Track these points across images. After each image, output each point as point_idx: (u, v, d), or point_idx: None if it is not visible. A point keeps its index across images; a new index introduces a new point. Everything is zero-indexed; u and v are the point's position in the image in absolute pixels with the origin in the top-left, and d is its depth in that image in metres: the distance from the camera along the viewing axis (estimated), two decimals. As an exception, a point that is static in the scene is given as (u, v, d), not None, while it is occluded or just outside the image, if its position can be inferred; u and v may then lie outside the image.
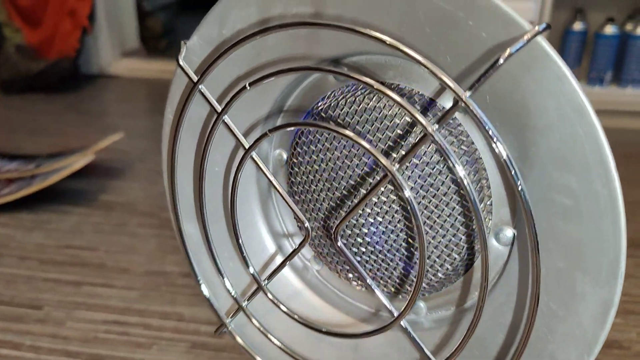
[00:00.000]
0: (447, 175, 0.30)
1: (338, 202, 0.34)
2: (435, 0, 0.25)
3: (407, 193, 0.28)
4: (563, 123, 0.25)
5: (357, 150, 0.32)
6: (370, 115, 0.32)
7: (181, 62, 0.33)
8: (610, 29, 1.95)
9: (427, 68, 0.25)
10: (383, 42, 0.25)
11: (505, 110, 0.26)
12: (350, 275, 0.36)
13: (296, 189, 0.37)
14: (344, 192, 0.34)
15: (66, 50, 2.52)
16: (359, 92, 0.33)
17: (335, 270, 0.37)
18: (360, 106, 0.32)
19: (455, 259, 0.32)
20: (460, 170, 0.27)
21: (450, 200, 0.31)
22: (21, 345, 0.96)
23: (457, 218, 0.31)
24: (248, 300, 0.39)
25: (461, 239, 0.31)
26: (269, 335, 0.38)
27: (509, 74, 0.25)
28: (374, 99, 0.32)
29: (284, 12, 0.29)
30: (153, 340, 0.97)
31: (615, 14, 2.06)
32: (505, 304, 0.30)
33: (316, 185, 0.34)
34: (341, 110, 0.33)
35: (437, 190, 0.30)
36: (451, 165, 0.27)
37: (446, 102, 0.30)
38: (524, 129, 0.26)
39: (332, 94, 0.35)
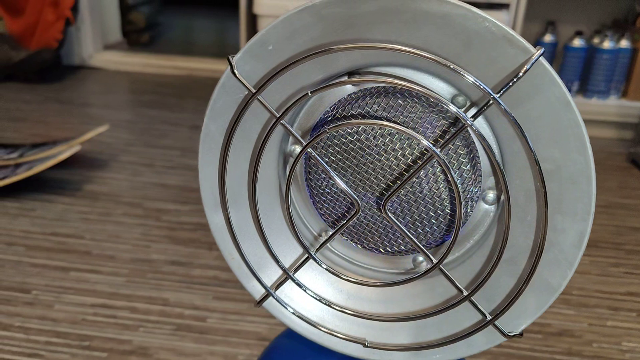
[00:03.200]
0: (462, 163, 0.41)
1: (373, 181, 0.43)
2: (471, 33, 0.35)
3: (451, 170, 0.38)
4: (553, 113, 0.36)
5: (392, 140, 0.41)
6: (404, 111, 0.41)
7: (238, 75, 0.39)
8: (578, 42, 2.05)
9: (468, 79, 0.35)
10: (436, 62, 0.35)
11: (511, 107, 0.36)
12: (379, 242, 0.44)
13: (316, 176, 0.44)
14: (379, 174, 0.42)
15: (48, 41, 2.53)
16: (385, 95, 0.40)
17: (364, 243, 0.45)
18: (396, 104, 0.41)
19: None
20: (487, 158, 0.38)
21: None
22: (10, 326, 1.00)
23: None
24: (295, 270, 0.45)
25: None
26: (319, 298, 0.45)
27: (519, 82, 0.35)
28: (406, 99, 0.40)
29: (326, 35, 0.36)
30: (140, 323, 1.02)
31: (584, 28, 2.17)
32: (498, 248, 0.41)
33: (350, 170, 0.43)
34: (371, 108, 0.41)
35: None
36: (486, 151, 0.37)
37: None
38: (522, 119, 0.36)
39: (349, 97, 0.43)
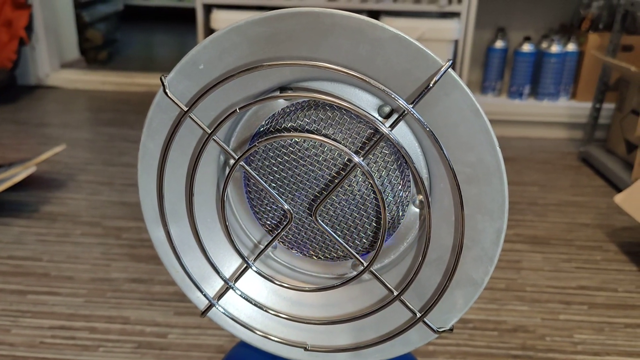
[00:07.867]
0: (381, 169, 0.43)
1: (309, 190, 0.44)
2: (382, 51, 0.37)
3: (373, 177, 0.40)
4: (464, 121, 0.38)
5: (324, 151, 0.43)
6: (334, 122, 0.43)
7: (170, 95, 0.40)
8: (527, 47, 2.12)
9: (383, 90, 0.36)
10: (354, 76, 0.37)
11: (426, 117, 0.38)
12: (317, 249, 0.46)
13: (255, 188, 0.46)
14: (314, 183, 0.44)
15: (2, 61, 2.48)
16: (315, 108, 0.42)
17: (304, 251, 0.46)
18: (326, 116, 0.43)
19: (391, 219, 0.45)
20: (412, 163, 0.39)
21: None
22: (-34, 353, 0.98)
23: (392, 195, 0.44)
24: (236, 280, 0.46)
25: (393, 207, 0.44)
26: (258, 304, 0.46)
27: (430, 93, 0.37)
28: (328, 112, 0.42)
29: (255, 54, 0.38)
30: (99, 343, 1.01)
31: (532, 33, 2.25)
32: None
33: (286, 180, 0.44)
34: (302, 121, 0.43)
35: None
36: (405, 157, 0.39)
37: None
38: (440, 127, 0.39)
39: (282, 111, 0.44)
